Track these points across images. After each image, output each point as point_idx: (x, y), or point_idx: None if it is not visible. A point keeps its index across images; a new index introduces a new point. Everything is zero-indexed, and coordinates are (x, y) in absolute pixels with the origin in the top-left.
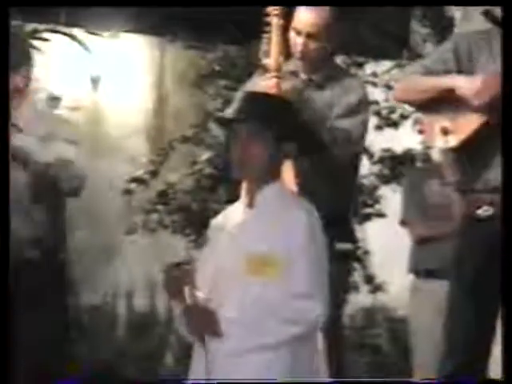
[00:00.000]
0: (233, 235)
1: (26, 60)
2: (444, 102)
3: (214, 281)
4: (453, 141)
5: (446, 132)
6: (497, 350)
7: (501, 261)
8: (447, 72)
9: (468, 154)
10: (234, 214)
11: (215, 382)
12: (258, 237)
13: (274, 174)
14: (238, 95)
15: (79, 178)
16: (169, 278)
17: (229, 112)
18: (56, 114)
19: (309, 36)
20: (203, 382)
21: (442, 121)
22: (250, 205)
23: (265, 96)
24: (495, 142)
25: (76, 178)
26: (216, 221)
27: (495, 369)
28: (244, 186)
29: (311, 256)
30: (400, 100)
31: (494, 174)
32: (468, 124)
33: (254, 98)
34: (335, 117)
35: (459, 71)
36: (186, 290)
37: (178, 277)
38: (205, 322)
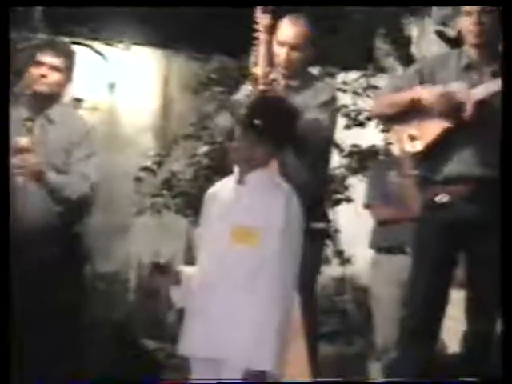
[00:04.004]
0: (222, 207)
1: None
2: (410, 113)
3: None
4: (419, 145)
5: (413, 138)
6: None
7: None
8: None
9: (429, 152)
10: (225, 189)
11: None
12: (243, 211)
13: (264, 162)
14: (232, 100)
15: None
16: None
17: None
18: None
19: (291, 47)
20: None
21: (409, 129)
22: (241, 182)
23: (275, 101)
24: (453, 141)
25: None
26: (209, 192)
27: (495, 369)
28: (237, 166)
29: (284, 235)
30: (375, 115)
31: (451, 168)
32: (431, 130)
33: (266, 102)
34: (309, 111)
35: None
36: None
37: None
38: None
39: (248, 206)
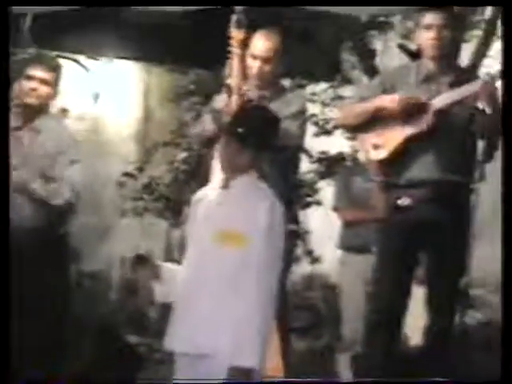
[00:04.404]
0: (208, 211)
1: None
2: (374, 122)
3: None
4: (383, 153)
5: (376, 146)
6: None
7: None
8: None
9: (392, 158)
10: (211, 193)
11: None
12: (229, 215)
13: (248, 168)
14: (207, 109)
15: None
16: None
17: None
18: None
19: (263, 60)
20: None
21: (373, 138)
22: (226, 187)
23: (257, 109)
24: (414, 149)
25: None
26: (196, 196)
27: (494, 369)
28: (222, 172)
29: (269, 238)
30: (341, 125)
31: (412, 173)
32: (394, 138)
33: (248, 110)
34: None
35: None
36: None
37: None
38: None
39: (233, 210)
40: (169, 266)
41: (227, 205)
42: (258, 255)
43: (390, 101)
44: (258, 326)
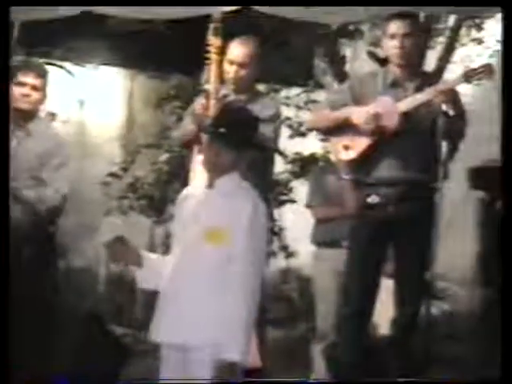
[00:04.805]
0: (194, 208)
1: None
2: (344, 127)
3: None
4: (352, 154)
5: (347, 148)
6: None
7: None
8: (345, 105)
9: (362, 159)
10: (196, 192)
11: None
12: (213, 212)
13: (231, 168)
14: (187, 112)
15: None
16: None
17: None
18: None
19: (239, 65)
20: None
21: (343, 139)
22: (210, 186)
23: (237, 110)
24: (382, 149)
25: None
26: (182, 195)
27: (494, 369)
28: (206, 172)
29: (251, 235)
30: (312, 128)
31: (381, 172)
32: (363, 140)
33: (229, 111)
34: None
35: (355, 103)
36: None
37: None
38: (128, 256)
39: (217, 208)
40: (149, 254)
41: (212, 203)
42: (241, 252)
43: (356, 115)
44: (243, 320)
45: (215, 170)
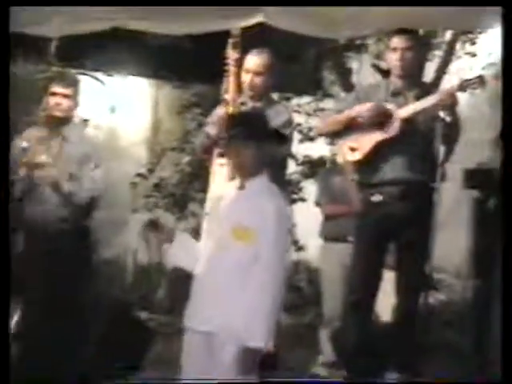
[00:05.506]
0: (226, 208)
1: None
2: (350, 129)
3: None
4: (358, 155)
5: (353, 150)
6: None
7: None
8: None
9: (366, 160)
10: (229, 192)
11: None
12: (243, 212)
13: (260, 170)
14: (208, 119)
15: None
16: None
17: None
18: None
19: (254, 73)
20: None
21: (349, 142)
22: (241, 188)
23: (250, 111)
24: (385, 152)
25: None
26: (217, 195)
27: (494, 369)
28: (238, 175)
29: (277, 234)
30: (321, 133)
31: (384, 173)
32: (367, 143)
33: (243, 113)
34: None
35: None
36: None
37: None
38: (162, 234)
39: (246, 208)
40: (182, 232)
41: (241, 203)
42: (267, 252)
43: (360, 108)
44: (268, 312)
45: (242, 171)
